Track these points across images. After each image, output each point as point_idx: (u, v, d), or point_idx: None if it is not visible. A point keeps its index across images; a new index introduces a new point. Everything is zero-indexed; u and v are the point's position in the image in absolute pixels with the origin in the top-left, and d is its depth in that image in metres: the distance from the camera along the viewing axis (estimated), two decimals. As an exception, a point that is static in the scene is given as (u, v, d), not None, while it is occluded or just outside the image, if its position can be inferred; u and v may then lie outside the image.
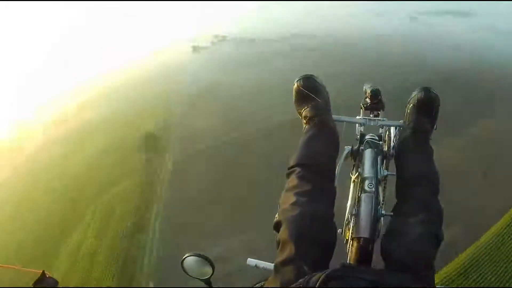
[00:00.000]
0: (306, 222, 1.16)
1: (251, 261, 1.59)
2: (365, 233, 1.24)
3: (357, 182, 1.58)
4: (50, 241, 5.92)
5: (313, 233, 1.13)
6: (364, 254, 1.24)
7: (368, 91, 1.86)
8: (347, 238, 1.44)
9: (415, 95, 1.64)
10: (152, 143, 10.08)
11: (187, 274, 1.42)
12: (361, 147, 1.70)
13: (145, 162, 8.02)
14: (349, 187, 1.64)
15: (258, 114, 10.14)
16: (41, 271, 1.77)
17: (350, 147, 1.73)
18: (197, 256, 1.39)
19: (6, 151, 9.54)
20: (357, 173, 1.59)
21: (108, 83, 13.74)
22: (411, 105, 1.65)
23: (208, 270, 1.39)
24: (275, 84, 10.89)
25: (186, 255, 1.41)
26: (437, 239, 1.22)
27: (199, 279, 1.43)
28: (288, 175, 1.41)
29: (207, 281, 1.42)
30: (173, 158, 8.18)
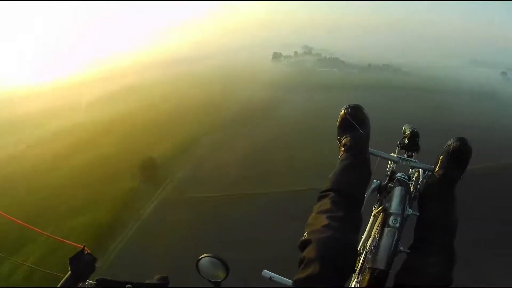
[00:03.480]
0: (335, 246, 1.25)
1: (267, 273, 1.58)
2: (381, 264, 1.31)
3: (377, 216, 1.67)
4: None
5: (339, 257, 1.23)
6: (376, 285, 1.29)
7: (408, 131, 1.91)
8: (356, 267, 1.50)
9: (450, 143, 1.74)
10: (148, 171, 12.21)
11: (200, 274, 1.46)
12: (389, 184, 1.79)
13: (128, 191, 8.35)
14: (367, 219, 1.72)
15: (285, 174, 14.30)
16: (81, 246, 1.57)
17: (378, 181, 1.86)
18: (214, 258, 1.43)
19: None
20: (380, 207, 1.67)
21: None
22: (445, 152, 1.75)
23: (221, 274, 1.43)
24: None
25: (203, 255, 1.46)
26: (448, 282, 1.37)
27: (209, 280, 1.46)
28: (321, 197, 1.52)
29: (217, 284, 1.45)
30: (163, 195, 8.78)
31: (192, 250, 4.74)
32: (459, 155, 1.73)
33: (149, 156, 21.61)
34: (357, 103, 1.84)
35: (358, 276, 1.52)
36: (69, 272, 1.42)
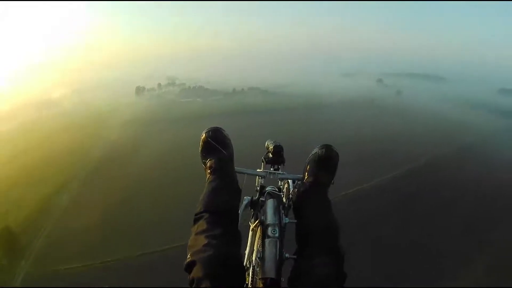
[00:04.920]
0: (220, 263, 1.32)
1: None
2: (271, 274, 1.36)
3: (255, 230, 1.76)
4: None
5: (227, 273, 1.30)
6: None
7: (271, 146, 2.06)
8: (246, 282, 1.53)
9: (316, 151, 1.86)
10: (5, 244, 12.92)
11: None
12: (261, 198, 1.88)
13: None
14: (247, 235, 1.78)
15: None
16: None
17: (249, 197, 1.93)
18: None
19: None
20: (256, 222, 1.77)
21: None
22: (312, 160, 1.87)
23: None
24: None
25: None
26: (340, 279, 1.44)
27: None
28: (196, 220, 1.60)
29: None
30: (25, 270, 9.54)
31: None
32: (326, 161, 1.84)
33: (4, 225, 19.47)
34: (218, 126, 1.93)
35: None
36: None
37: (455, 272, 19.80)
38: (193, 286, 1.29)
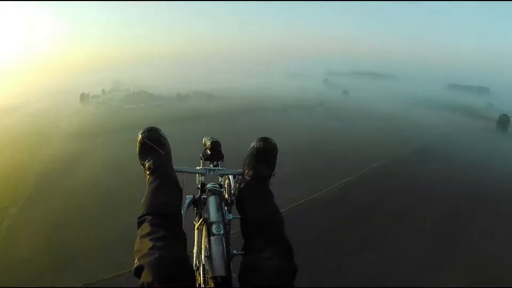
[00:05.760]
0: (168, 265, 1.31)
1: None
2: (221, 271, 1.35)
3: (201, 229, 1.74)
4: None
5: (175, 274, 1.29)
6: None
7: (208, 143, 2.04)
8: (198, 282, 1.52)
9: (254, 144, 1.89)
10: None
11: None
12: (203, 195, 1.88)
13: None
14: (193, 235, 1.79)
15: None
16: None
17: (191, 196, 1.93)
18: None
19: None
20: (200, 220, 1.76)
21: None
22: (250, 154, 1.89)
23: None
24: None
25: None
26: (292, 269, 1.46)
27: None
28: (140, 223, 1.58)
29: None
30: None
31: None
32: (264, 153, 1.87)
33: None
34: (153, 126, 1.91)
35: None
36: None
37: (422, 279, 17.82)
38: None
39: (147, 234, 1.48)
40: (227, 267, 1.40)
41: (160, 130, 1.95)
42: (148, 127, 1.92)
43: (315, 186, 29.20)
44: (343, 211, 25.17)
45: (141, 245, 1.45)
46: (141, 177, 1.92)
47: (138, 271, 1.34)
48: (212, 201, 1.75)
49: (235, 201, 1.90)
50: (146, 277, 1.28)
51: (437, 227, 24.00)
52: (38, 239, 20.63)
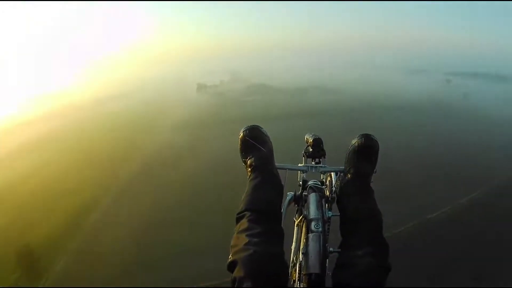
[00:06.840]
0: (261, 261, 1.28)
1: None
2: (315, 269, 1.34)
3: (301, 225, 1.75)
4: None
5: (268, 271, 1.26)
6: None
7: (310, 140, 1.98)
8: (294, 278, 1.58)
9: (355, 141, 1.79)
10: (24, 264, 11.83)
11: None
12: (304, 192, 1.87)
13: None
14: (293, 231, 1.83)
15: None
16: None
17: (292, 193, 1.95)
18: None
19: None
20: (301, 217, 1.77)
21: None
22: (352, 151, 1.80)
23: None
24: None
25: None
26: (385, 269, 1.39)
27: None
28: (239, 219, 1.57)
29: None
30: None
31: None
32: (366, 151, 1.76)
33: (25, 243, 18.17)
34: (255, 124, 1.85)
35: (298, 284, 1.52)
36: None
37: None
38: (235, 286, 1.28)
39: (244, 230, 1.48)
40: (322, 264, 1.40)
41: (262, 128, 1.89)
42: (249, 125, 1.88)
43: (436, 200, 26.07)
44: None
45: (237, 241, 1.44)
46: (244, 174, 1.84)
47: (232, 265, 1.35)
48: (312, 198, 1.73)
49: (335, 199, 1.86)
50: (238, 272, 1.29)
51: None
52: (128, 233, 18.98)
